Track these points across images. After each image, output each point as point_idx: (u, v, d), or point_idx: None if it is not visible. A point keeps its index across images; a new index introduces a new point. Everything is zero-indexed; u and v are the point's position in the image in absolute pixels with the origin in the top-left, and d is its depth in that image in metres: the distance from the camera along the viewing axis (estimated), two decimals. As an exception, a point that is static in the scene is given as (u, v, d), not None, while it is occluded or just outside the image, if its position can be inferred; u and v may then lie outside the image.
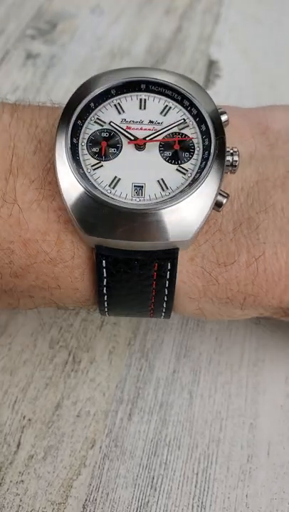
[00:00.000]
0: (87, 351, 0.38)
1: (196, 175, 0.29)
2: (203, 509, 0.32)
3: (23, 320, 0.39)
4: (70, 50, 0.56)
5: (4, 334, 0.38)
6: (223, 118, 0.30)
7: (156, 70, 0.32)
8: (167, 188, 0.29)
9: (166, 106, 0.31)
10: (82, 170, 0.29)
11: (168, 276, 0.30)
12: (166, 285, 0.30)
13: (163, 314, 0.32)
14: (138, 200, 0.29)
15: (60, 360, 0.37)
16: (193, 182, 0.29)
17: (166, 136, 0.30)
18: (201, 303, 0.32)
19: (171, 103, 0.31)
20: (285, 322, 0.39)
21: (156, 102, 0.31)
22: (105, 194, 0.28)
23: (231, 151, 0.30)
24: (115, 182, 0.29)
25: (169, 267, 0.29)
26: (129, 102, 0.31)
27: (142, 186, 0.29)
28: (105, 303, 0.31)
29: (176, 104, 0.31)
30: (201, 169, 0.29)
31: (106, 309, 0.32)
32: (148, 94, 0.31)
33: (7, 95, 0.51)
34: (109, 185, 0.29)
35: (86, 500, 0.32)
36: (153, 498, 0.32)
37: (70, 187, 0.28)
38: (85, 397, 0.36)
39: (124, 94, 0.31)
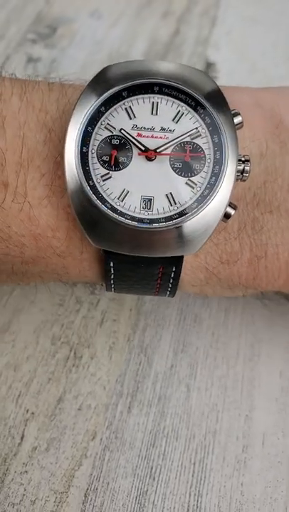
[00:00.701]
0: (88, 347, 0.39)
1: (204, 190, 0.28)
2: (200, 497, 0.33)
3: (26, 318, 0.40)
4: (70, 54, 0.58)
5: (8, 331, 0.39)
6: (237, 120, 0.29)
7: (170, 63, 0.31)
8: (175, 203, 0.29)
9: (179, 111, 0.30)
10: (92, 181, 0.28)
11: (172, 275, 0.31)
12: (171, 281, 0.31)
13: (167, 295, 0.33)
14: (146, 213, 0.28)
15: (61, 355, 0.38)
16: (203, 198, 0.28)
17: (177, 145, 0.29)
18: (203, 288, 0.33)
19: (184, 108, 0.30)
20: (280, 320, 0.40)
21: (168, 106, 0.30)
22: (114, 207, 0.28)
23: (243, 159, 0.29)
24: (124, 194, 0.29)
25: (174, 269, 0.30)
26: (141, 105, 0.30)
27: (151, 199, 0.29)
28: (112, 287, 0.33)
29: (190, 110, 0.30)
30: (210, 185, 0.28)
31: (113, 290, 0.33)
32: (161, 96, 0.30)
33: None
34: (118, 198, 0.28)
35: (87, 489, 0.33)
36: (152, 487, 0.34)
37: (79, 200, 0.28)
38: (86, 391, 0.37)
39: (136, 96, 0.30)
